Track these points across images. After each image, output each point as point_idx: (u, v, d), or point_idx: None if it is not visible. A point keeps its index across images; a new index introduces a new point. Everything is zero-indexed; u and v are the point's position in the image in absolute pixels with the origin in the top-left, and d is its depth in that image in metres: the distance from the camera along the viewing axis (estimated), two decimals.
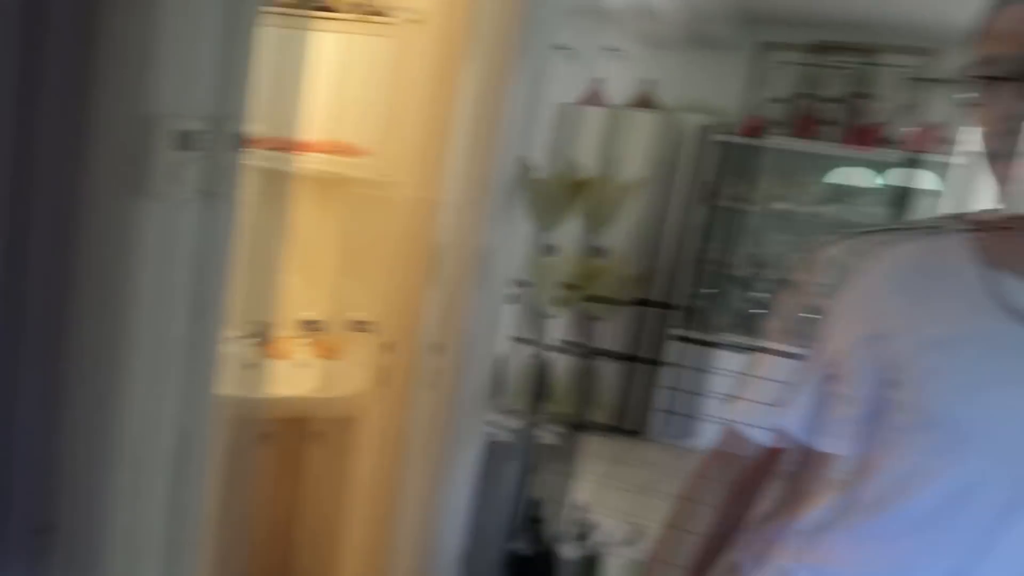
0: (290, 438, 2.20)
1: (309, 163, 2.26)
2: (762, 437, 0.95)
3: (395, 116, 2.19)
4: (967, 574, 0.79)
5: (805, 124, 4.37)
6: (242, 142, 1.07)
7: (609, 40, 4.73)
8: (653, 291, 4.49)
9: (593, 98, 4.49)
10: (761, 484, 0.98)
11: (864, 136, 4.16)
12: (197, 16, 0.95)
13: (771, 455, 0.97)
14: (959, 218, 0.86)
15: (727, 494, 0.99)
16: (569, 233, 2.53)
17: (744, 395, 0.97)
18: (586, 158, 4.29)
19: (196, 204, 1.03)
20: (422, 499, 2.00)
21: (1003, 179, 0.74)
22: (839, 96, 4.38)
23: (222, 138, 1.02)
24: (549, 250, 2.47)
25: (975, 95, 0.75)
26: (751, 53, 4.54)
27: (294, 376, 2.29)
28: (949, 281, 0.81)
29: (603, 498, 3.68)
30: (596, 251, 2.48)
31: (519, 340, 4.15)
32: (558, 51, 4.40)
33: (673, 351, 4.40)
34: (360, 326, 2.35)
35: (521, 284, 3.80)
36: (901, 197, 4.08)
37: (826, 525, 0.89)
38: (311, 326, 2.38)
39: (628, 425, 4.55)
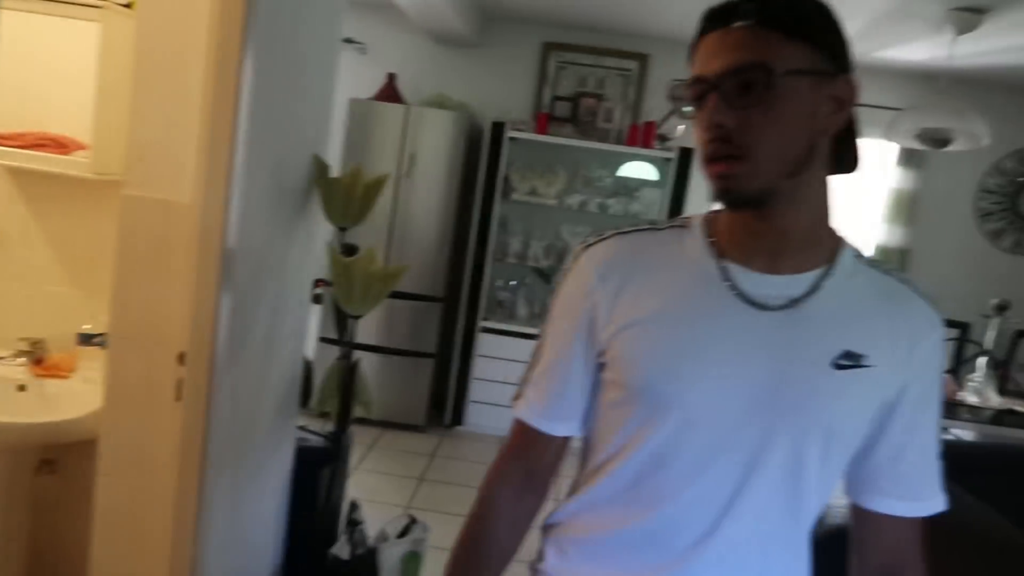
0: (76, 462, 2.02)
1: (10, 158, 2.09)
2: (546, 427, 1.00)
3: (111, 108, 2.05)
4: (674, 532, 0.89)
5: (588, 122, 4.65)
6: None
7: (400, 36, 4.75)
8: (459, 287, 4.57)
9: (388, 93, 4.48)
10: (555, 471, 1.05)
11: (644, 134, 4.49)
12: None
13: (562, 443, 1.02)
14: (688, 217, 0.98)
15: (520, 485, 1.02)
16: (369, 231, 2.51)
17: (523, 388, 1.03)
18: (381, 154, 4.32)
19: None
20: (182, 520, 1.84)
21: (709, 179, 0.86)
22: (616, 96, 4.71)
23: None
24: (349, 250, 2.44)
25: (692, 108, 0.87)
26: (536, 53, 4.76)
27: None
28: (661, 269, 0.93)
29: (421, 493, 3.71)
30: (349, 248, 2.47)
31: (325, 341, 4.05)
32: (349, 45, 4.34)
33: (482, 344, 4.52)
34: (91, 340, 2.19)
35: (324, 284, 3.72)
36: (679, 189, 4.46)
37: (584, 501, 0.98)
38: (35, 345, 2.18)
39: (446, 420, 4.61)
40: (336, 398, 2.45)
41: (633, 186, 4.65)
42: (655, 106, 4.72)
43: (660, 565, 0.90)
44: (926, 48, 4.03)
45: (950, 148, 3.58)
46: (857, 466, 0.92)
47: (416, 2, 3.79)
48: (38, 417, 1.96)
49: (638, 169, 4.61)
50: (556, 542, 1.00)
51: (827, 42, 0.83)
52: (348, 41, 4.44)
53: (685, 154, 4.47)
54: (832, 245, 0.90)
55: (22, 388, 2.10)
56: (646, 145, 4.50)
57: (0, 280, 2.24)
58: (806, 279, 0.87)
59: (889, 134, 3.65)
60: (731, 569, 0.89)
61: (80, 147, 2.16)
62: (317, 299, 3.73)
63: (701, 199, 4.81)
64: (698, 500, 0.88)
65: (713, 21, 0.83)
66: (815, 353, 0.86)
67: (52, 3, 2.10)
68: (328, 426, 2.61)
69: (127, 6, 2.13)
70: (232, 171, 1.76)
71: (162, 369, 1.82)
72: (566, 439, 1.02)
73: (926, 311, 0.90)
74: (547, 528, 1.03)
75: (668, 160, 4.51)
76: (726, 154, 0.82)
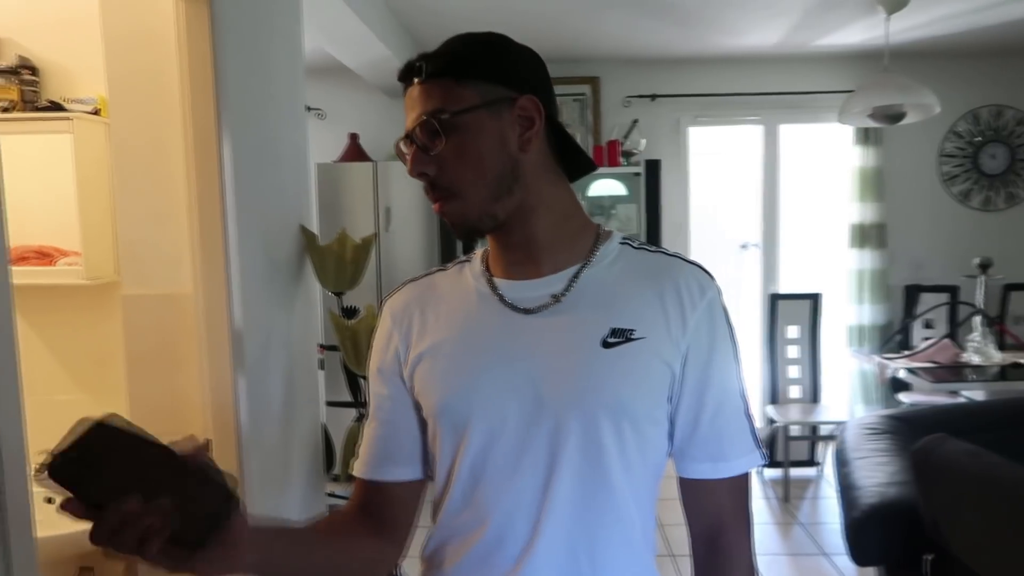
0: (113, 566, 2.02)
1: (22, 276, 2.13)
2: (378, 475, 1.01)
3: (95, 213, 2.12)
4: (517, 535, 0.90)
5: None
6: None
7: (356, 96, 4.83)
8: None
9: (353, 154, 4.55)
10: (400, 520, 1.02)
11: (608, 153, 4.59)
12: None
13: (401, 491, 1.01)
14: (474, 251, 1.04)
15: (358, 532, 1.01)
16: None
17: (359, 449, 1.04)
18: (356, 213, 4.38)
19: None
20: None
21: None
22: (574, 120, 4.83)
23: None
24: (349, 312, 2.48)
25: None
26: None
27: None
28: (446, 301, 0.99)
29: None
30: (349, 311, 2.52)
31: (335, 404, 4.06)
32: (308, 112, 4.41)
33: None
34: None
35: (324, 349, 3.74)
36: (651, 200, 4.56)
37: (439, 533, 0.99)
38: None
39: None
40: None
41: (608, 204, 4.74)
42: (614, 124, 4.84)
43: None
44: (862, 30, 4.18)
45: (904, 122, 3.70)
46: (673, 442, 0.95)
47: (365, 62, 3.88)
48: (71, 527, 1.96)
49: (608, 187, 4.70)
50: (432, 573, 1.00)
51: (499, 73, 0.91)
52: (308, 109, 4.51)
53: (652, 167, 4.57)
54: (588, 240, 0.97)
55: (50, 500, 2.10)
56: (612, 164, 4.59)
57: None
58: (566, 275, 0.94)
59: (843, 117, 3.76)
60: (565, 572, 0.90)
61: (64, 254, 2.19)
62: (320, 364, 3.75)
63: (676, 206, 4.90)
64: (515, 506, 0.90)
65: (403, 80, 0.93)
66: (584, 338, 0.90)
67: (22, 122, 2.15)
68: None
69: (95, 112, 2.19)
70: (227, 254, 1.80)
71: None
72: (407, 485, 1.01)
73: (695, 277, 0.94)
74: (424, 560, 1.02)
75: (637, 175, 4.61)
76: (437, 196, 0.92)
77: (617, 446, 0.89)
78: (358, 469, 1.02)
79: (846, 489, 2.38)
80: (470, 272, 1.01)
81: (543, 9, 3.75)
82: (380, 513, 1.01)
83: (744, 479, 0.96)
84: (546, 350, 0.91)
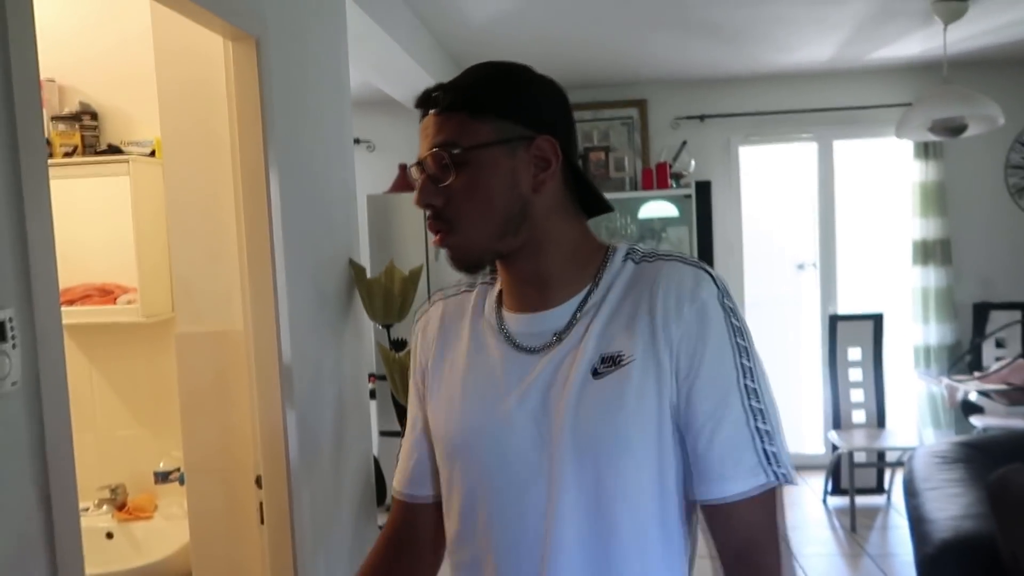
0: None
1: (65, 316, 2.19)
2: (407, 491, 1.03)
3: (151, 252, 2.17)
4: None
5: (601, 174, 4.72)
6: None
7: (404, 127, 4.90)
8: None
9: (402, 184, 4.59)
10: (432, 537, 1.02)
11: (658, 175, 4.55)
12: None
13: (432, 508, 1.02)
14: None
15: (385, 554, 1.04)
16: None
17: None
18: (406, 244, 4.41)
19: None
20: None
21: None
22: (622, 144, 4.80)
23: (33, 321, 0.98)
24: (398, 345, 2.48)
25: None
26: None
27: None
28: (463, 328, 0.98)
29: None
30: (398, 344, 2.51)
31: (388, 435, 4.07)
32: (358, 145, 4.48)
33: None
34: (167, 477, 2.23)
35: (376, 378, 3.76)
36: (703, 222, 4.49)
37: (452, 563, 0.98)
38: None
39: None
40: None
41: (658, 227, 4.68)
42: (663, 146, 4.79)
43: None
44: (918, 42, 4.06)
45: (967, 134, 3.57)
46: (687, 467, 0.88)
47: (412, 94, 3.92)
48: (131, 563, 2.00)
49: (658, 209, 4.65)
50: None
51: (517, 111, 0.88)
52: (356, 141, 4.59)
53: (703, 188, 4.51)
54: (595, 265, 0.93)
55: (110, 536, 2.15)
56: (662, 186, 4.54)
57: (74, 433, 2.31)
58: (570, 307, 0.91)
59: (901, 131, 3.65)
60: None
61: (124, 290, 2.25)
62: (372, 394, 3.77)
63: (728, 227, 4.82)
64: (518, 548, 0.88)
65: (419, 108, 0.92)
66: (578, 371, 0.87)
67: (83, 166, 2.22)
68: None
69: (151, 154, 2.25)
70: (276, 290, 1.82)
71: (242, 495, 1.86)
72: (436, 504, 1.00)
73: (687, 279, 0.87)
74: None
75: (688, 196, 4.55)
76: (439, 229, 0.89)
77: (615, 479, 0.85)
78: (396, 483, 1.05)
79: (917, 522, 2.27)
80: (488, 299, 0.99)
81: (589, 34, 3.75)
82: (410, 530, 1.02)
83: (762, 499, 0.85)
84: (545, 387, 0.88)
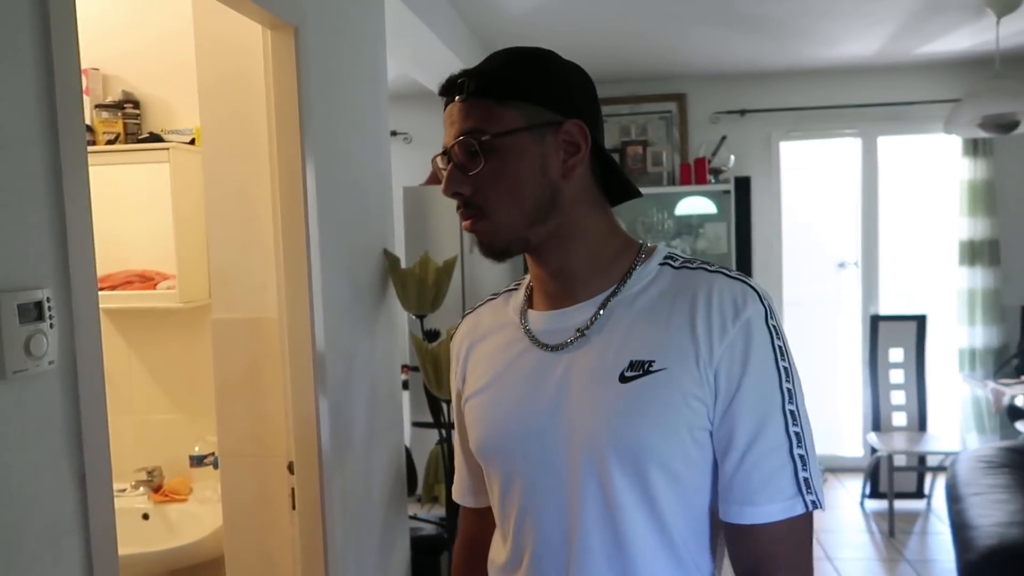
0: None
1: (106, 300, 2.22)
2: (467, 502, 1.08)
3: (189, 239, 2.19)
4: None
5: (638, 168, 4.67)
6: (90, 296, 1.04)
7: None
8: None
9: (437, 177, 4.60)
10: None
11: (696, 171, 4.49)
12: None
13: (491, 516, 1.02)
14: (525, 276, 1.00)
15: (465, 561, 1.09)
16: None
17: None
18: (441, 236, 4.42)
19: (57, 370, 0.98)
20: None
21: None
22: (660, 139, 4.74)
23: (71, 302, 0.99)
24: (431, 335, 2.48)
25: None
26: None
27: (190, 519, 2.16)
28: (491, 336, 0.98)
29: None
30: (431, 334, 2.51)
31: (420, 425, 4.09)
32: (395, 137, 4.50)
33: None
34: (202, 461, 2.26)
35: (409, 369, 3.78)
36: (742, 218, 4.42)
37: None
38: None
39: None
40: (442, 483, 2.46)
41: (696, 223, 4.62)
42: (702, 141, 4.72)
43: None
44: (969, 35, 3.94)
45: (1019, 131, 3.45)
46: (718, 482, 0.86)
47: None
48: (165, 544, 2.04)
49: (695, 205, 4.59)
50: None
51: (545, 95, 0.87)
52: (393, 134, 4.61)
53: (742, 184, 4.44)
54: (626, 262, 0.91)
55: (146, 517, 2.18)
56: (700, 181, 4.48)
57: (113, 416, 2.35)
58: (593, 304, 0.89)
59: (950, 127, 3.55)
60: None
61: (164, 277, 2.29)
62: (405, 385, 3.79)
63: (768, 224, 4.74)
64: (545, 552, 0.88)
65: (444, 95, 0.90)
66: (603, 373, 0.85)
67: (124, 153, 2.26)
68: (438, 511, 2.61)
69: (191, 142, 2.28)
70: (310, 279, 1.83)
71: (274, 481, 1.87)
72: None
73: (731, 294, 0.83)
74: None
75: (727, 192, 4.48)
76: (468, 215, 0.88)
77: (639, 491, 0.83)
78: (456, 495, 1.09)
79: (960, 528, 2.21)
80: (513, 304, 0.98)
81: (628, 26, 3.70)
82: (477, 534, 1.05)
83: (789, 526, 0.83)
84: (569, 388, 0.87)
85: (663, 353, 0.83)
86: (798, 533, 0.84)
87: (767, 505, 0.82)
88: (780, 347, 0.84)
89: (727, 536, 0.87)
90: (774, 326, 0.84)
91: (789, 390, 0.84)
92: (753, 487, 0.82)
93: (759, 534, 0.83)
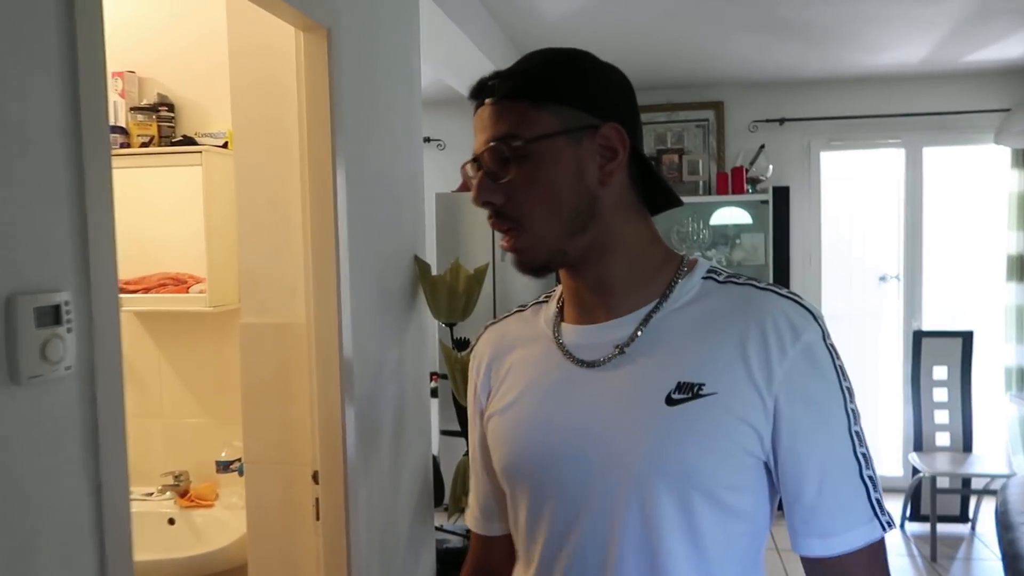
0: None
1: (139, 303, 2.22)
2: (481, 529, 1.01)
3: (220, 243, 2.17)
4: None
5: (674, 177, 4.59)
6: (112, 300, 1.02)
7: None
8: None
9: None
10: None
11: (733, 180, 4.40)
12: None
13: (506, 543, 0.98)
14: (555, 290, 0.95)
15: None
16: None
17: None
18: (473, 243, 4.39)
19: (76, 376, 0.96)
20: None
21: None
22: (697, 147, 4.66)
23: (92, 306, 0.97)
24: (461, 344, 2.44)
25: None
26: None
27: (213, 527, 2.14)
28: (518, 349, 0.92)
29: None
30: (461, 343, 2.47)
31: (448, 434, 4.06)
32: (428, 144, 4.49)
33: None
34: (228, 466, 2.24)
35: (438, 377, 3.74)
36: (779, 229, 4.32)
37: None
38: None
39: None
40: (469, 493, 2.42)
41: (732, 234, 4.53)
42: (739, 150, 4.64)
43: None
44: (1021, 43, 3.81)
45: None
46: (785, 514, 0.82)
47: None
48: (191, 550, 2.02)
49: (732, 216, 4.50)
50: None
51: (582, 98, 0.81)
52: (427, 140, 4.59)
53: (780, 194, 4.34)
54: (667, 275, 0.85)
55: (172, 522, 2.17)
56: (737, 191, 4.40)
57: (142, 419, 2.35)
58: (634, 319, 0.84)
59: (1000, 138, 3.43)
60: None
61: (196, 280, 2.28)
62: (433, 393, 3.75)
63: (807, 236, 4.63)
64: (576, 572, 0.82)
65: (474, 98, 0.85)
66: (647, 394, 0.79)
67: (157, 156, 2.26)
68: (465, 522, 2.56)
69: (223, 146, 2.27)
70: (339, 285, 1.80)
71: (299, 490, 1.84)
72: (509, 539, 0.95)
73: (787, 315, 0.79)
74: None
75: (764, 203, 4.39)
76: (505, 228, 0.83)
77: (682, 518, 0.77)
78: (469, 520, 1.04)
79: (1012, 559, 2.10)
80: (544, 316, 0.93)
81: (665, 33, 3.64)
82: (489, 561, 1.01)
83: (872, 551, 0.79)
84: (607, 408, 0.81)
85: (713, 376, 0.78)
86: (879, 556, 0.80)
87: (847, 533, 0.78)
88: (840, 367, 0.80)
89: (808, 571, 0.82)
90: (832, 346, 0.80)
91: (853, 411, 0.79)
92: (830, 516, 0.78)
93: (847, 564, 0.79)
